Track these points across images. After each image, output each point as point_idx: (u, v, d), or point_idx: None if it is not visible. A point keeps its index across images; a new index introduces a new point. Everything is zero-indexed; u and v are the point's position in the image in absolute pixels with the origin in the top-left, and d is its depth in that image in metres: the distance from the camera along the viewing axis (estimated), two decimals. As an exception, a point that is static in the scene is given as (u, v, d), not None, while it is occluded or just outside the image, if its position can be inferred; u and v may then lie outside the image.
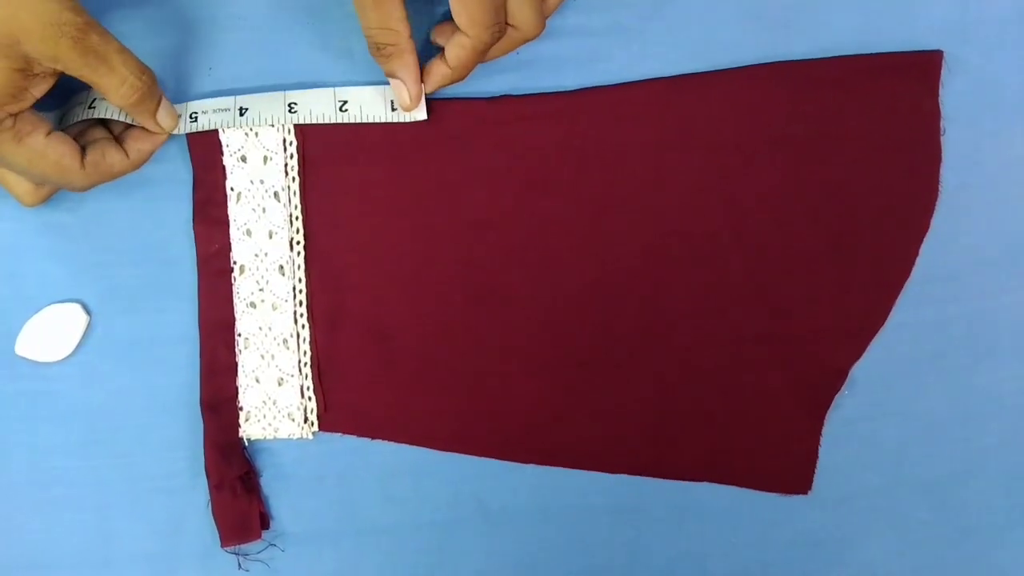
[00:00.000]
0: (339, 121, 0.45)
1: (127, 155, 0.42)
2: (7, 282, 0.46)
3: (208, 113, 0.44)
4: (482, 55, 0.42)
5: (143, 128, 0.42)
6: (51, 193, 0.43)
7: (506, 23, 0.41)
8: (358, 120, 0.45)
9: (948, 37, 0.47)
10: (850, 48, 0.47)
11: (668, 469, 0.47)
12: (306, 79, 0.46)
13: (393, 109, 0.45)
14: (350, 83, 0.46)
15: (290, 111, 0.44)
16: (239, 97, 0.45)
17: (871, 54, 0.47)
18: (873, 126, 0.47)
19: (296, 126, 0.45)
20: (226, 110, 0.45)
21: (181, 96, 0.46)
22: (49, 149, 0.39)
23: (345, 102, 0.45)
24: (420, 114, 0.44)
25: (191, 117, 0.44)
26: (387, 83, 0.45)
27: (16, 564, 0.46)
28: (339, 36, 0.46)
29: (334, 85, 0.45)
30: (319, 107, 0.45)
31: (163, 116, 0.42)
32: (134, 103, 0.40)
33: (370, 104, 0.45)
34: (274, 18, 0.46)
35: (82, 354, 0.46)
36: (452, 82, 0.43)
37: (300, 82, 0.46)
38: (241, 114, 0.44)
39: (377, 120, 0.45)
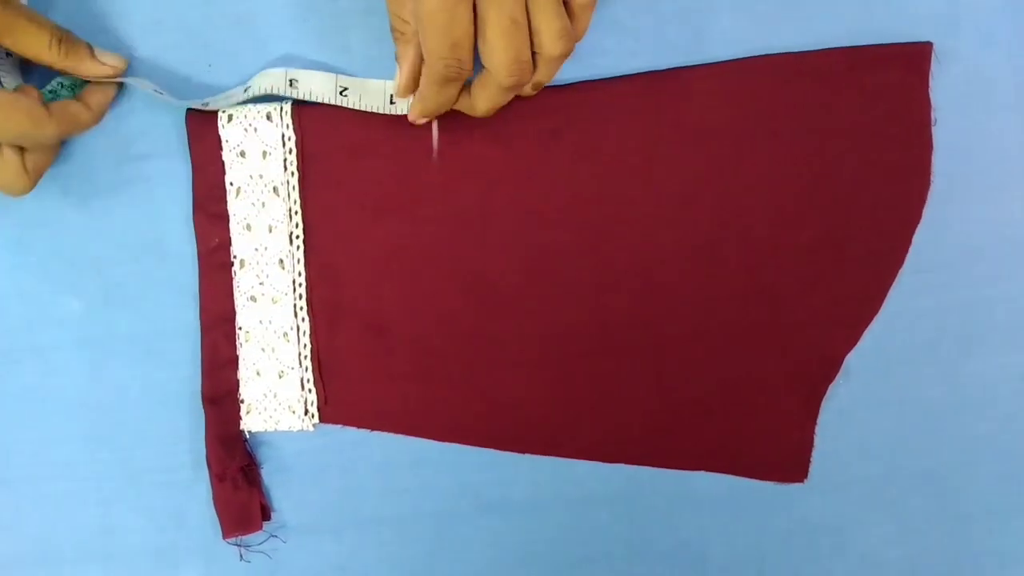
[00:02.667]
0: (337, 103, 0.45)
1: (88, 107, 0.43)
2: (8, 277, 0.47)
3: (219, 100, 0.46)
4: (508, 93, 0.41)
5: (96, 84, 0.44)
6: (38, 173, 0.43)
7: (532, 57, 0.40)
8: (356, 107, 0.45)
9: (938, 28, 0.47)
10: (840, 40, 0.47)
11: (665, 459, 0.48)
12: (304, 76, 0.47)
13: (392, 103, 0.45)
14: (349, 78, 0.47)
15: (290, 86, 0.45)
16: (246, 84, 0.46)
17: (861, 46, 0.47)
18: (864, 118, 0.47)
19: (295, 121, 0.46)
20: (234, 94, 0.46)
21: (182, 92, 0.47)
22: (18, 100, 0.40)
23: (345, 88, 0.45)
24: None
25: (203, 104, 0.45)
26: (389, 78, 0.46)
27: (19, 558, 0.47)
28: (337, 33, 0.47)
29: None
30: (319, 87, 0.45)
31: (103, 56, 0.44)
32: (65, 54, 0.42)
33: (370, 94, 0.45)
34: (273, 15, 0.47)
35: (85, 349, 0.47)
36: (477, 115, 0.43)
37: (298, 78, 0.47)
38: (245, 91, 0.45)
39: (375, 110, 0.45)
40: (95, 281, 0.47)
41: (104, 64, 0.44)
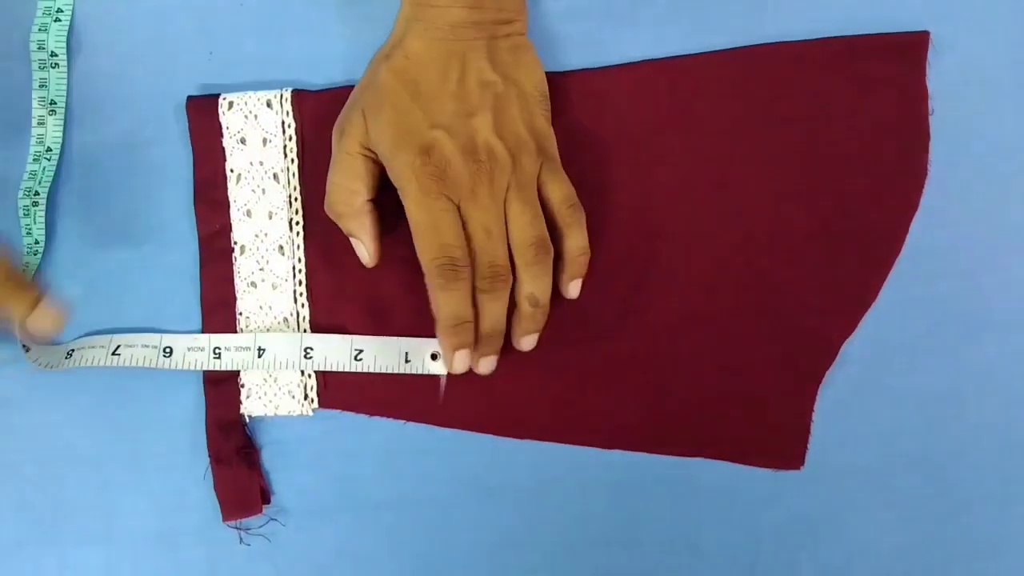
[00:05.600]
0: (352, 369, 0.46)
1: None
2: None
3: (231, 351, 0.46)
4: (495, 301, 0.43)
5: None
6: None
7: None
8: (371, 369, 0.46)
9: (934, 17, 0.47)
10: (837, 29, 0.47)
11: (663, 445, 0.48)
12: (306, 62, 0.47)
13: (407, 361, 0.46)
14: (349, 69, 0.47)
15: (305, 356, 0.46)
16: (258, 335, 0.46)
17: (858, 35, 0.47)
18: (861, 107, 0.47)
19: (295, 108, 0.46)
20: (247, 349, 0.46)
21: (183, 80, 0.47)
22: None
23: (360, 351, 0.46)
24: (438, 368, 0.46)
25: (214, 353, 0.46)
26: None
27: (20, 540, 0.47)
28: (338, 19, 0.47)
29: (333, 68, 0.47)
30: (334, 355, 0.46)
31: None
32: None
33: (385, 355, 0.46)
34: (273, 1, 0.47)
35: (86, 333, 0.47)
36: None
37: (300, 65, 0.47)
38: (259, 355, 0.46)
39: (390, 371, 0.46)
40: (97, 266, 0.47)
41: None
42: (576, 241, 0.44)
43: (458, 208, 0.41)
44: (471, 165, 0.41)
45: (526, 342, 0.45)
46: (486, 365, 0.44)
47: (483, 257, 0.41)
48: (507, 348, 0.47)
